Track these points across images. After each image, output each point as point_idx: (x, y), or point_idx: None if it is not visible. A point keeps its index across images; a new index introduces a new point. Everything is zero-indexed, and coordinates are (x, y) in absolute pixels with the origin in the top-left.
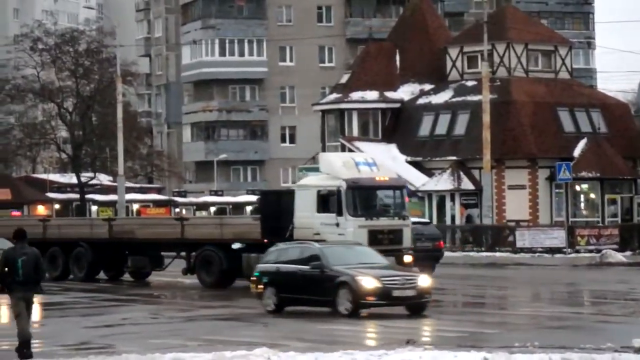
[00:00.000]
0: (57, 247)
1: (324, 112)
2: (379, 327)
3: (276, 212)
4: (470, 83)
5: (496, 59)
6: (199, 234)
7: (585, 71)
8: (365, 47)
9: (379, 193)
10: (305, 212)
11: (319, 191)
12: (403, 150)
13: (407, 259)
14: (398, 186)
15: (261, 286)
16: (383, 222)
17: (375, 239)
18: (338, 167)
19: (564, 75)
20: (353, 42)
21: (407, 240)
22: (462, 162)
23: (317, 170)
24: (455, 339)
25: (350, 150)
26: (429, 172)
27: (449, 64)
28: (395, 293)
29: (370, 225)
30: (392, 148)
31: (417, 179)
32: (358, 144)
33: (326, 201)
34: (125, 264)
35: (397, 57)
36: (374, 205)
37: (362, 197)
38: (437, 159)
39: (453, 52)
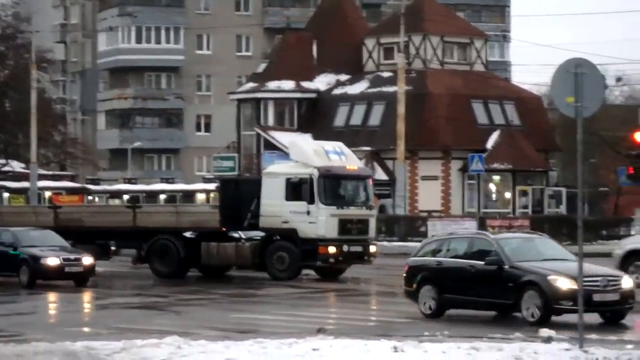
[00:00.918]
0: None
1: (240, 101)
2: (292, 316)
3: (235, 200)
4: (386, 74)
5: (412, 51)
6: (153, 222)
7: (500, 64)
8: (282, 37)
9: (348, 182)
10: (273, 200)
11: (288, 179)
12: (318, 140)
13: (373, 249)
14: (366, 175)
15: (414, 284)
16: (353, 212)
17: (345, 228)
18: (310, 154)
19: (479, 67)
20: (271, 32)
21: (372, 230)
22: (376, 153)
23: (231, 159)
24: (366, 328)
25: (266, 140)
26: None
27: (365, 55)
28: (596, 297)
29: (341, 214)
30: (308, 138)
31: None
32: (274, 133)
33: (297, 189)
34: None
35: (315, 48)
36: (344, 194)
37: (333, 186)
38: (352, 149)
39: (370, 43)
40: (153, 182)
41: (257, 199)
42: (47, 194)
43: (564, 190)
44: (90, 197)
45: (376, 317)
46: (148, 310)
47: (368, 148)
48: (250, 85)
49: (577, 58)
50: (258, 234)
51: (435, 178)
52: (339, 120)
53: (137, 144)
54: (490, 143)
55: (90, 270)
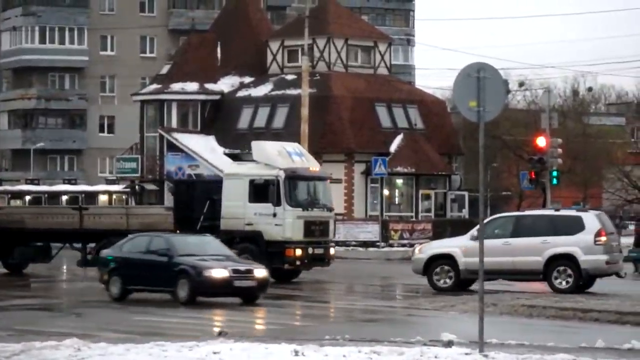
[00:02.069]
0: None
1: (143, 102)
2: (194, 319)
3: (189, 202)
4: (290, 77)
5: (317, 54)
6: (101, 224)
7: (404, 67)
8: (187, 38)
9: (312, 183)
10: (235, 202)
11: (252, 180)
12: (222, 142)
13: (332, 251)
14: (326, 177)
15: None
16: (317, 214)
17: (309, 230)
18: (274, 156)
19: (383, 71)
20: (175, 33)
21: (331, 232)
22: None
23: (134, 160)
24: (267, 331)
25: (169, 142)
26: None
27: (269, 57)
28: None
29: (306, 216)
30: (211, 140)
31: None
32: (177, 135)
33: (261, 190)
34: (11, 256)
35: (219, 49)
36: (308, 196)
37: (298, 188)
38: None
39: (274, 45)
40: (56, 183)
41: (209, 200)
42: None
43: (466, 194)
44: None
45: (277, 320)
46: (49, 312)
47: None
48: (154, 86)
49: (479, 62)
50: None
51: (338, 181)
52: (243, 122)
53: (39, 145)
54: (393, 146)
55: (264, 284)
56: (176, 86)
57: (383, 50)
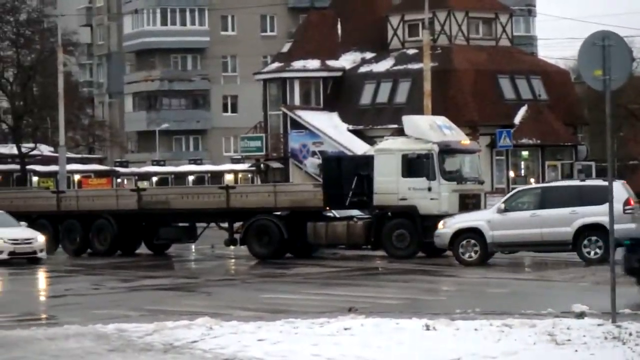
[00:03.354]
0: (75, 220)
1: (265, 81)
2: (322, 295)
3: (338, 178)
4: (411, 51)
5: (437, 27)
6: (249, 202)
7: (526, 38)
8: (307, 16)
9: (464, 157)
10: (387, 177)
11: (405, 155)
12: (345, 118)
13: None
14: (477, 149)
15: None
16: (470, 187)
17: (464, 203)
18: (426, 129)
19: (504, 42)
20: (295, 11)
21: (482, 205)
22: (403, 130)
23: (258, 139)
24: (397, 306)
25: (292, 119)
26: (370, 141)
27: (390, 32)
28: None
29: (461, 189)
30: (334, 116)
31: (358, 147)
32: (300, 112)
33: (415, 165)
34: (156, 237)
35: (339, 26)
36: (461, 169)
37: (452, 161)
38: (379, 127)
39: (394, 20)
40: (181, 164)
41: (357, 176)
42: (76, 177)
43: (593, 163)
44: (119, 180)
45: (406, 294)
46: (178, 291)
47: (395, 126)
48: (276, 65)
49: (604, 31)
50: (351, 213)
51: None
52: (365, 99)
53: (164, 126)
54: (517, 118)
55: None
56: (298, 64)
57: (504, 22)
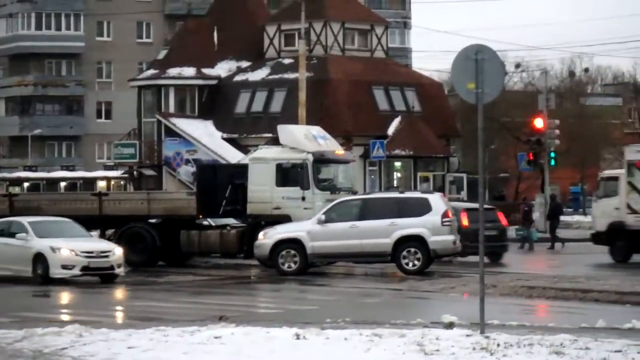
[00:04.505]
0: None
1: (140, 87)
2: (193, 303)
3: (211, 187)
4: (287, 61)
5: (313, 38)
6: (122, 209)
7: (401, 50)
8: (183, 24)
9: (337, 167)
10: (262, 186)
11: (280, 164)
12: (220, 127)
13: None
14: (351, 160)
15: None
16: (351, 197)
17: None
18: (301, 139)
19: (379, 54)
20: (171, 18)
21: None
22: (277, 139)
23: (132, 146)
24: (269, 314)
25: (167, 127)
26: (245, 149)
27: (266, 41)
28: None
29: (334, 199)
30: (209, 125)
31: (233, 156)
32: (175, 120)
33: (289, 174)
34: None
35: (215, 34)
36: (334, 179)
37: (326, 171)
38: (254, 135)
39: (271, 30)
40: (53, 170)
41: (232, 185)
42: None
43: (464, 175)
44: None
45: (279, 304)
46: (47, 298)
47: (269, 135)
48: (151, 72)
49: (478, 44)
50: (226, 222)
51: None
52: (241, 107)
53: (37, 131)
54: (391, 129)
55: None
56: (173, 71)
57: (380, 34)
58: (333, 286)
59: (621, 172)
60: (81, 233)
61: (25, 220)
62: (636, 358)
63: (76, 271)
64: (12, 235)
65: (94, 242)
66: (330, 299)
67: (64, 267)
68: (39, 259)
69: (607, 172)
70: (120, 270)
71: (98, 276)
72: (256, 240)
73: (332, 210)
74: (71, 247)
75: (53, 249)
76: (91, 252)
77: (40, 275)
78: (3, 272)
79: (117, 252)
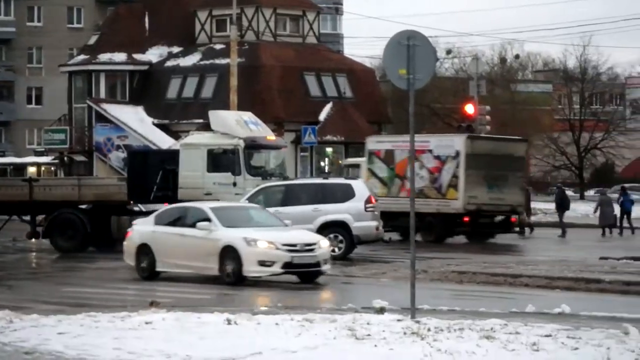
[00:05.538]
0: None
1: (71, 73)
2: (123, 290)
3: (142, 172)
4: (218, 46)
5: (245, 23)
6: (52, 195)
7: (333, 36)
8: (114, 9)
9: (269, 153)
10: (193, 172)
11: (211, 150)
12: (151, 112)
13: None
14: (282, 146)
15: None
16: (275, 183)
17: None
18: (232, 125)
19: (311, 40)
20: (103, 4)
21: None
22: (209, 125)
23: (63, 132)
24: (200, 300)
25: (98, 113)
26: (176, 135)
27: (198, 27)
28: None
29: (265, 185)
30: (140, 110)
31: (164, 142)
32: (105, 105)
33: (220, 160)
34: None
35: (147, 20)
36: (266, 165)
37: (257, 157)
38: (185, 121)
39: (202, 15)
40: None
41: (162, 170)
42: None
43: None
44: None
45: (208, 290)
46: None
47: (200, 120)
48: (82, 57)
49: (409, 30)
50: (157, 207)
51: None
52: (172, 93)
53: None
54: (323, 115)
55: None
56: (104, 57)
57: (312, 20)
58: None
59: (362, 160)
60: (275, 222)
61: (206, 205)
62: (565, 342)
63: (277, 268)
64: (191, 225)
65: (296, 233)
66: (262, 284)
67: (262, 263)
68: (228, 253)
69: (350, 160)
70: (326, 268)
71: (298, 274)
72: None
73: (256, 196)
74: (269, 238)
75: (247, 241)
76: (294, 245)
77: (231, 273)
78: (181, 270)
79: (324, 244)
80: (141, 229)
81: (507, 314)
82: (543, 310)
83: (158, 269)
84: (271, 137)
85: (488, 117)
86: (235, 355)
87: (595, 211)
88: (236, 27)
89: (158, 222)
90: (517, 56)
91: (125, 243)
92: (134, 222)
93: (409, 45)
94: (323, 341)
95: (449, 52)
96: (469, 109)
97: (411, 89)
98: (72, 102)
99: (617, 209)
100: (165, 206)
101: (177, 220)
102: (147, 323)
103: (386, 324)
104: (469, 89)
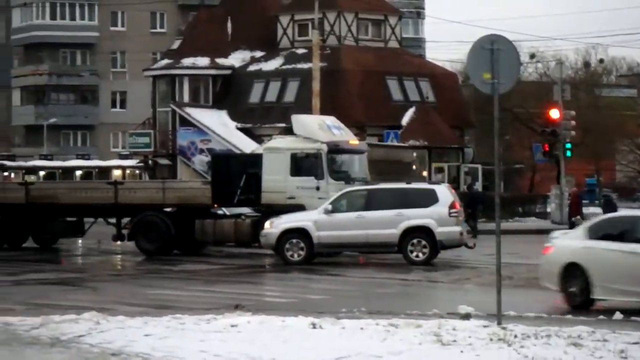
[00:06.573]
0: None
1: (154, 77)
2: (207, 292)
3: (226, 176)
4: (300, 51)
5: (327, 28)
6: (137, 198)
7: (415, 40)
8: (197, 14)
9: (352, 157)
10: (276, 176)
11: (294, 154)
12: (233, 116)
13: None
14: (365, 150)
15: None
16: (358, 187)
17: None
18: (315, 129)
19: (393, 44)
20: (185, 9)
21: None
22: (291, 129)
23: (146, 135)
24: (283, 304)
25: (181, 116)
26: (258, 139)
27: (280, 31)
28: None
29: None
30: (223, 114)
31: (246, 146)
32: (189, 110)
33: (304, 164)
34: (43, 231)
35: (229, 24)
36: (349, 169)
37: (340, 161)
38: (267, 125)
39: (284, 20)
40: (68, 159)
41: (246, 174)
42: None
43: (479, 166)
44: (5, 173)
45: (293, 293)
46: (64, 286)
47: (283, 125)
48: (165, 61)
49: (493, 34)
50: (241, 211)
51: None
52: (254, 97)
53: (52, 120)
54: (405, 120)
55: None
56: (187, 61)
57: (393, 24)
58: (345, 276)
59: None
60: None
61: None
62: None
63: None
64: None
65: None
66: (343, 289)
67: None
68: None
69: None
70: None
71: None
72: (262, 230)
73: (339, 200)
74: None
75: None
76: None
77: None
78: (629, 298)
79: None
80: (568, 244)
81: (594, 321)
82: (631, 318)
83: (594, 295)
84: (354, 141)
85: (573, 122)
86: (320, 358)
87: None
88: (318, 32)
89: (593, 235)
90: (601, 60)
91: (543, 261)
92: (552, 234)
93: (493, 50)
94: (408, 346)
95: (532, 56)
96: (554, 113)
97: (495, 94)
98: (155, 106)
99: None
100: (601, 217)
101: (623, 234)
102: (232, 326)
103: (472, 330)
104: (552, 94)
